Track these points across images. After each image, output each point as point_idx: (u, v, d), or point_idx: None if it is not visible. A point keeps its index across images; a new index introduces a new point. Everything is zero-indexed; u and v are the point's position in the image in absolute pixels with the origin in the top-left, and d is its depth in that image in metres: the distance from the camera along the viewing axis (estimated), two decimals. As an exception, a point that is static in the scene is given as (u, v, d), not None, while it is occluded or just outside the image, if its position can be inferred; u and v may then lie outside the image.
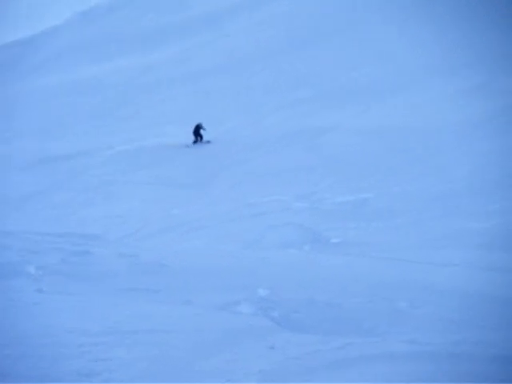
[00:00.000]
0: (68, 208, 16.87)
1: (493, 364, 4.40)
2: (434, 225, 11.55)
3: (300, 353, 4.52)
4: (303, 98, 24.69)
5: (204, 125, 22.80)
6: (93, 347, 4.50)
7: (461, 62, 23.03)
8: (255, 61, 29.82)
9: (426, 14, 29.08)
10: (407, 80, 23.29)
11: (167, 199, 16.89)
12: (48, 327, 4.82)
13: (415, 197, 13.40)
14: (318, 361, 4.37)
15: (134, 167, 20.49)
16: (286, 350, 4.58)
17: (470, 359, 4.45)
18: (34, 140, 25.31)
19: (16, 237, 8.32)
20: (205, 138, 22.63)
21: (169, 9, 44.76)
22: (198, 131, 22.78)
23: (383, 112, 21.08)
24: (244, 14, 38.33)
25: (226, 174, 18.80)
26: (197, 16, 41.35)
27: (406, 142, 17.93)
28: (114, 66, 35.32)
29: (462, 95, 20.17)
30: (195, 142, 22.76)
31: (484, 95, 19.58)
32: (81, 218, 15.63)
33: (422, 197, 13.31)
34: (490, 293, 6.77)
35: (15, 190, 18.67)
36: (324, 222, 12.99)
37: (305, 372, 4.19)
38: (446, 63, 23.60)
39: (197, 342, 4.72)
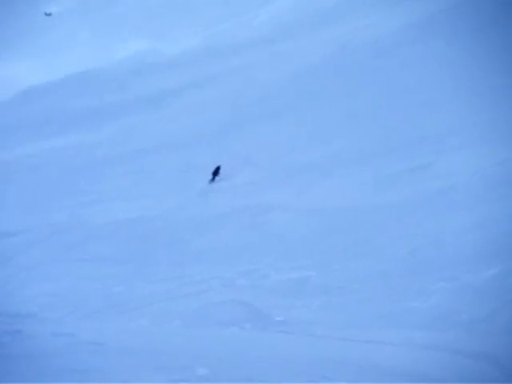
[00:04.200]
0: (5, 286, 16.55)
1: None
2: (374, 304, 11.63)
3: None
4: (245, 177, 24.87)
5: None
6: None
7: (401, 143, 23.45)
8: (196, 140, 30.02)
9: (362, 94, 29.74)
10: (345, 161, 23.64)
11: (108, 277, 16.68)
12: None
13: (356, 276, 13.49)
14: None
15: (74, 244, 20.25)
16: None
17: None
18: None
19: None
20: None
21: (106, 90, 45.00)
22: (216, 172, 25.27)
23: (322, 192, 21.30)
24: (184, 96, 38.70)
25: (169, 251, 18.70)
26: (135, 97, 41.61)
27: (346, 222, 18.11)
28: (54, 145, 35.24)
29: (399, 176, 20.49)
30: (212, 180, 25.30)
31: (423, 177, 19.92)
32: (18, 296, 15.33)
33: (362, 276, 13.40)
34: (430, 372, 6.78)
35: None
36: (266, 300, 12.98)
37: None
38: (384, 143, 24.01)
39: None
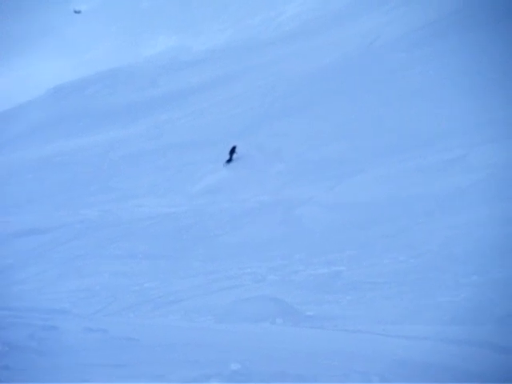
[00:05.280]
0: (38, 282, 16.71)
1: None
2: (406, 298, 11.59)
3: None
4: (275, 171, 24.89)
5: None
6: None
7: (431, 136, 23.31)
8: (226, 136, 30.05)
9: (390, 88, 29.59)
10: (375, 155, 23.56)
11: (140, 273, 16.79)
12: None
13: (385, 271, 13.45)
14: None
15: (106, 240, 20.39)
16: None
17: None
18: (2, 214, 25.17)
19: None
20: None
21: (136, 86, 45.25)
22: (232, 151, 26.58)
23: (353, 187, 21.25)
24: (213, 91, 38.79)
25: (200, 246, 18.77)
26: (165, 93, 41.82)
27: (376, 217, 18.07)
28: (85, 142, 35.48)
29: (430, 170, 20.39)
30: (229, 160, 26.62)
31: (454, 170, 19.81)
32: (50, 293, 15.47)
33: (393, 270, 13.36)
34: (461, 367, 6.76)
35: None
36: (297, 295, 12.99)
37: None
38: (415, 137, 23.89)
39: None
